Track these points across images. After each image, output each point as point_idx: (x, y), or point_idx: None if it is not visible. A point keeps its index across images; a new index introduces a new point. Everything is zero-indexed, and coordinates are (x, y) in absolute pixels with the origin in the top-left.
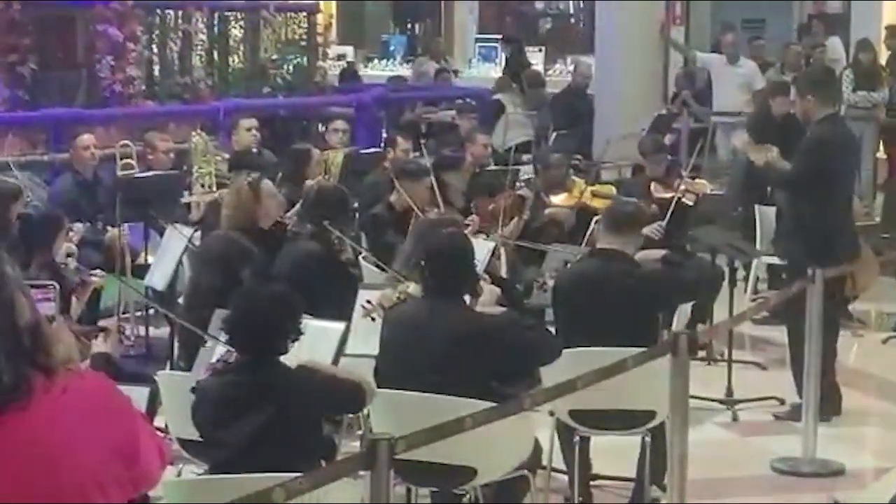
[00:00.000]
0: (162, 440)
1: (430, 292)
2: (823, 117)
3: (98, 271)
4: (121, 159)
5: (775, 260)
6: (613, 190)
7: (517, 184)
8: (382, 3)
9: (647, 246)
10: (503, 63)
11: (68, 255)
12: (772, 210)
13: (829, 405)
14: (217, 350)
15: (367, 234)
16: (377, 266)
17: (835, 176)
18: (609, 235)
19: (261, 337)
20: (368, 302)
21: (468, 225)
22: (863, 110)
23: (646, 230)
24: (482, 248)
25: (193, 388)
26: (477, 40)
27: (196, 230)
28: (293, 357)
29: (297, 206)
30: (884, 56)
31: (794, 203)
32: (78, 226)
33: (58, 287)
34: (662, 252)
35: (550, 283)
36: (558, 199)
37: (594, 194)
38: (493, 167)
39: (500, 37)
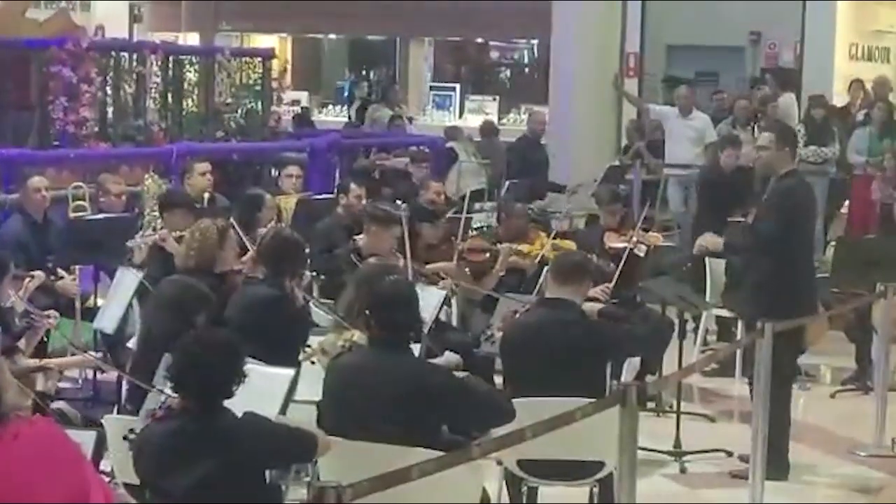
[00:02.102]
0: (108, 487)
1: (376, 341)
2: (788, 172)
3: (52, 312)
4: (73, 201)
5: (725, 312)
6: (574, 246)
7: (471, 232)
8: (338, 49)
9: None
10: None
11: (18, 300)
12: (721, 263)
13: (779, 468)
14: (156, 401)
15: (324, 276)
16: (329, 310)
17: (807, 228)
18: (556, 285)
19: (204, 383)
20: (308, 346)
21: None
22: (814, 165)
23: (592, 292)
24: (433, 297)
25: (126, 436)
26: (432, 88)
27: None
28: (241, 404)
29: (251, 251)
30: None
31: (764, 256)
32: (38, 273)
33: None
34: (599, 307)
35: (498, 334)
36: (519, 248)
37: (555, 248)
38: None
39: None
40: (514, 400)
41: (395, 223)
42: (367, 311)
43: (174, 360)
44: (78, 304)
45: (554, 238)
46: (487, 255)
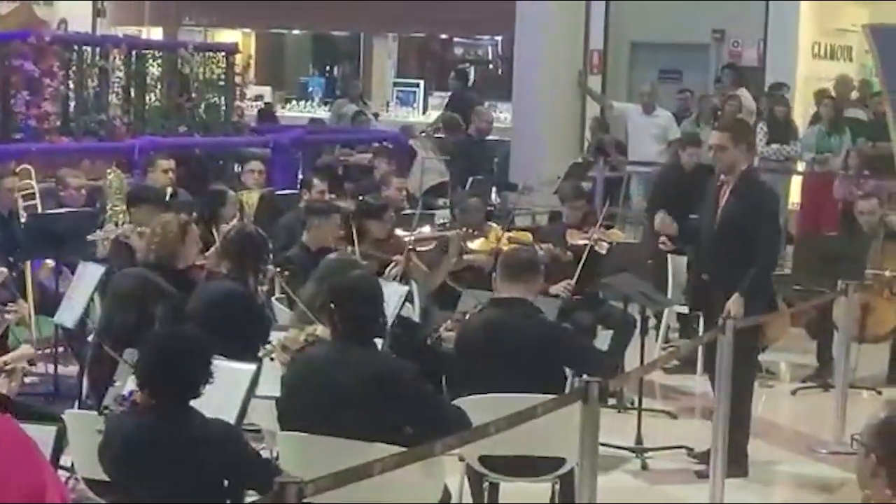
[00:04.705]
0: (63, 484)
1: (340, 336)
2: (747, 169)
3: (12, 306)
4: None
5: (686, 309)
6: (530, 236)
7: (434, 227)
8: (302, 44)
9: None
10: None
11: None
12: (683, 259)
13: (739, 465)
14: (126, 388)
15: (283, 275)
16: (293, 303)
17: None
18: (508, 283)
19: (173, 381)
20: (269, 342)
21: (394, 264)
22: (776, 163)
23: (553, 289)
24: (395, 293)
25: (101, 412)
26: (395, 84)
27: (107, 268)
28: (202, 399)
29: (214, 246)
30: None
31: (733, 252)
32: (2, 269)
33: None
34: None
35: (446, 334)
36: (475, 244)
37: (510, 240)
38: (408, 211)
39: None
40: (476, 397)
41: (335, 213)
42: (331, 305)
43: (142, 355)
44: (33, 298)
45: (508, 231)
46: (435, 244)
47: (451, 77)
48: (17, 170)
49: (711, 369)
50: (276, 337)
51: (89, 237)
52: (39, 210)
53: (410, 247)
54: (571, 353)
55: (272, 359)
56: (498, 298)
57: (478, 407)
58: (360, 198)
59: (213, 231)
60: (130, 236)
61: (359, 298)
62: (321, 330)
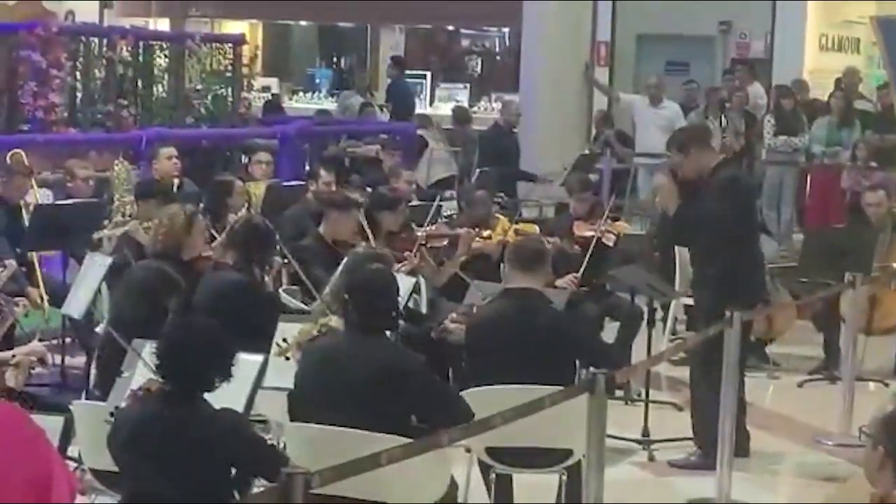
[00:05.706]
0: (72, 473)
1: (353, 327)
2: (718, 163)
3: (20, 299)
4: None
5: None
6: (536, 229)
7: (440, 220)
8: (309, 36)
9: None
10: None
11: None
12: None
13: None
14: (134, 379)
15: (296, 265)
16: (309, 297)
17: (748, 214)
18: (518, 274)
19: (192, 370)
20: (284, 340)
21: (404, 261)
22: (783, 155)
23: (560, 282)
24: (403, 284)
25: (112, 413)
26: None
27: (114, 260)
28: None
29: (221, 237)
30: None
31: (711, 245)
32: (10, 262)
33: None
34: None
35: (451, 326)
36: (482, 242)
37: (517, 233)
38: (416, 203)
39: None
40: (483, 388)
41: (354, 207)
42: (345, 296)
43: (162, 342)
44: (42, 289)
45: (515, 223)
46: (447, 241)
47: (389, 66)
48: (9, 156)
49: (701, 363)
50: (282, 327)
51: (94, 235)
52: (38, 201)
53: (422, 242)
54: (581, 345)
55: (288, 358)
56: (509, 289)
57: (485, 398)
58: (371, 189)
59: (220, 222)
60: (137, 231)
61: (374, 291)
62: (335, 321)
